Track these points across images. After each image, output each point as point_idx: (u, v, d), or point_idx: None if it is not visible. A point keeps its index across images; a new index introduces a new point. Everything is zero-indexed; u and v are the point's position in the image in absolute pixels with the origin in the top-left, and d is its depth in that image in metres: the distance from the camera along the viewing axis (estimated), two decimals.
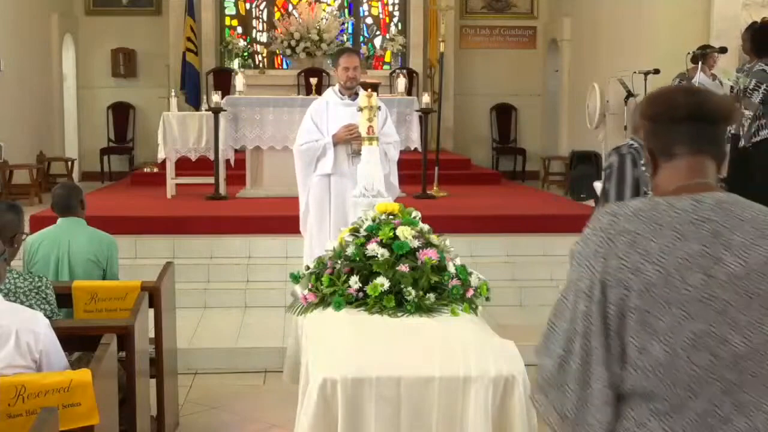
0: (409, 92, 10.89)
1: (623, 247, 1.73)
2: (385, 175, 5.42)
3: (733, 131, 7.49)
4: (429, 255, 3.45)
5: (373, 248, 3.47)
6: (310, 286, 3.57)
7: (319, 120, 5.35)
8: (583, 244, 1.80)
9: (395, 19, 13.41)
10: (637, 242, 1.73)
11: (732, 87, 7.14)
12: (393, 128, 5.54)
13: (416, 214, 3.76)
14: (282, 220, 7.44)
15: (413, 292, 3.35)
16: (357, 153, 5.20)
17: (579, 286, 1.76)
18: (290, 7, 13.03)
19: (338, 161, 5.31)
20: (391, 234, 3.50)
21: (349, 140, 5.24)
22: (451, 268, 3.52)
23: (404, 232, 3.50)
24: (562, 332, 1.77)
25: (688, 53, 7.69)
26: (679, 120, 1.83)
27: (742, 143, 7.10)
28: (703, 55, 7.94)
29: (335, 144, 5.27)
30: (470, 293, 3.48)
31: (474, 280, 3.56)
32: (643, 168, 3.78)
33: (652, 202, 1.79)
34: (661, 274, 1.70)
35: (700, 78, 7.30)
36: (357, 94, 5.32)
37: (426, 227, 3.70)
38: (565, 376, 1.75)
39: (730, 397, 1.70)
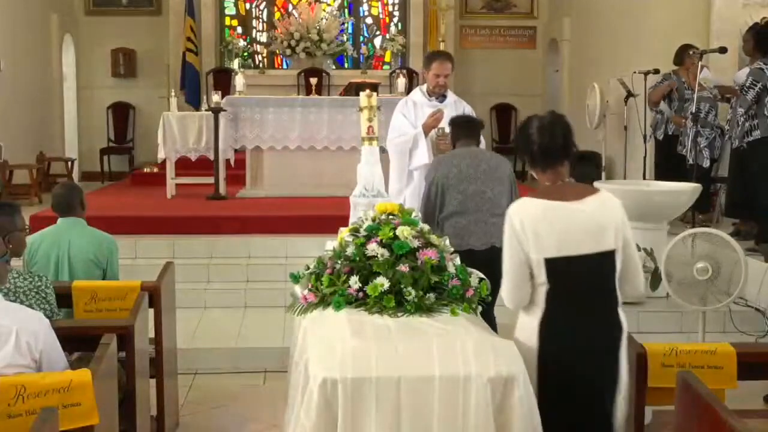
0: (409, 92, 10.86)
1: (446, 163, 4.67)
2: None
3: (728, 134, 7.51)
4: (429, 255, 3.45)
5: (373, 248, 3.47)
6: (309, 286, 3.57)
7: (408, 115, 5.48)
8: (432, 164, 4.91)
9: (395, 19, 13.40)
10: (452, 162, 4.66)
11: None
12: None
13: (416, 214, 3.77)
14: (282, 220, 7.44)
15: (413, 292, 3.35)
16: (441, 151, 5.33)
17: (430, 179, 4.67)
18: (290, 7, 13.03)
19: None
20: (391, 234, 3.50)
21: (434, 125, 5.31)
22: (451, 268, 3.52)
23: (404, 232, 3.50)
24: (425, 194, 4.70)
25: (692, 52, 7.71)
26: (459, 123, 4.97)
27: (735, 144, 7.10)
28: (681, 56, 8.04)
29: (426, 134, 5.35)
30: (470, 293, 3.48)
31: (474, 280, 3.56)
32: None
33: (458, 150, 4.79)
34: (460, 172, 4.60)
35: (703, 74, 7.33)
36: (445, 96, 5.48)
37: (426, 227, 3.71)
38: (425, 203, 4.67)
39: (488, 213, 4.55)
